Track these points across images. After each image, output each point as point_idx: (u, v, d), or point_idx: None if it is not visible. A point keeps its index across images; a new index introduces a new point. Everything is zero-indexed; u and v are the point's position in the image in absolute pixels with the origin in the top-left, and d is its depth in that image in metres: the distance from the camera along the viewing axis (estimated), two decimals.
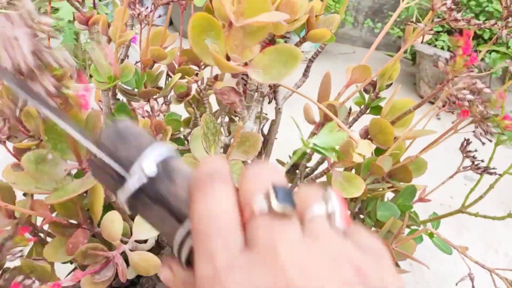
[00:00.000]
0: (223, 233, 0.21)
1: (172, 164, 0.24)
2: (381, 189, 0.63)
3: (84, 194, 0.58)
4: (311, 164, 0.78)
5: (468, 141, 0.68)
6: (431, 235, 0.75)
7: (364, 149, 0.63)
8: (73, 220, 0.55)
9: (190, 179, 0.23)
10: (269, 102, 0.76)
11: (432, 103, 0.69)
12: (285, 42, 0.70)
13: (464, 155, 0.68)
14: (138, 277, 0.66)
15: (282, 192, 0.21)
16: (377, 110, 0.75)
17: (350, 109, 0.74)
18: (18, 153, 0.62)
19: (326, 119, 0.68)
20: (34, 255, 0.58)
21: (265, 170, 0.23)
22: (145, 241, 0.68)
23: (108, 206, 0.57)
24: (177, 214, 0.23)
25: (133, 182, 0.23)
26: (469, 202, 0.74)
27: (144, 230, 0.55)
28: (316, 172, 0.69)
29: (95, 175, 0.25)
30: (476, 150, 0.68)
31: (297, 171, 0.79)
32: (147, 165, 0.23)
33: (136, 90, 0.69)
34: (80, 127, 0.25)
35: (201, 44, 0.48)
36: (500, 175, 0.67)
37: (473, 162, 0.68)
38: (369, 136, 0.69)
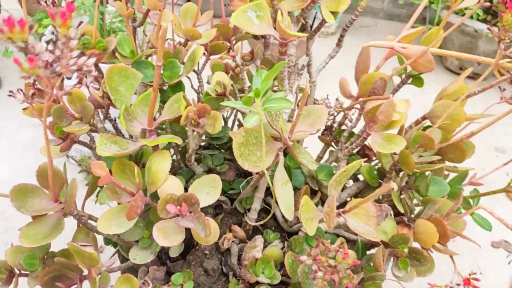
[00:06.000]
0: None
1: None
2: (429, 163, 0.62)
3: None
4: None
5: None
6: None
7: (402, 106, 0.62)
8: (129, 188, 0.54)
9: None
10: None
11: (472, 77, 0.67)
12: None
13: None
14: (183, 255, 0.66)
15: None
16: (419, 81, 0.73)
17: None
18: (53, 129, 0.61)
19: (369, 94, 0.66)
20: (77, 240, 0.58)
21: None
22: None
23: None
24: None
25: None
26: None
27: (201, 198, 0.54)
28: (356, 141, 0.67)
29: None
30: None
31: (337, 146, 0.78)
32: None
33: None
34: None
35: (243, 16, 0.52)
36: None
37: None
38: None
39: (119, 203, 0.54)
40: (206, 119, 0.58)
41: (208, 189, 0.55)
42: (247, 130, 0.54)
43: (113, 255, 0.71)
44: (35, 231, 0.52)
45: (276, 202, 0.57)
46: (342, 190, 0.75)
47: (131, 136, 0.71)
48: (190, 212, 0.55)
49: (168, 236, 0.53)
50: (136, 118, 0.55)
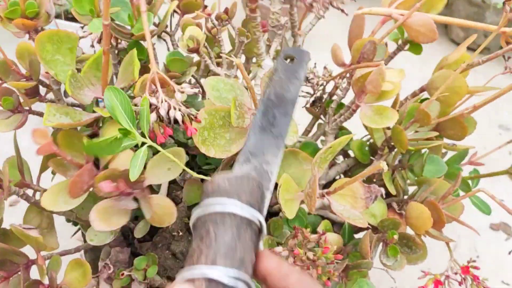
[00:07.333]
0: None
1: None
2: (426, 139, 0.55)
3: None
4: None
5: None
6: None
7: (396, 76, 0.54)
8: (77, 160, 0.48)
9: None
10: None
11: (473, 49, 0.59)
12: None
13: None
14: (152, 234, 0.60)
15: None
16: (417, 47, 0.65)
17: (386, 45, 0.65)
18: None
19: (359, 60, 0.58)
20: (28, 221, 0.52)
21: None
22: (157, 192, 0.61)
23: None
24: None
25: None
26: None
27: (158, 174, 0.48)
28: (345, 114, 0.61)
29: None
30: None
31: (325, 117, 0.72)
32: None
33: (130, 28, 0.58)
34: None
35: None
36: None
37: None
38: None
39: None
40: (166, 90, 0.50)
41: (170, 164, 0.47)
42: (210, 112, 0.47)
43: (75, 233, 0.65)
44: None
45: None
46: (331, 167, 0.69)
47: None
48: (135, 190, 0.48)
49: (109, 219, 0.46)
50: (87, 85, 0.47)
